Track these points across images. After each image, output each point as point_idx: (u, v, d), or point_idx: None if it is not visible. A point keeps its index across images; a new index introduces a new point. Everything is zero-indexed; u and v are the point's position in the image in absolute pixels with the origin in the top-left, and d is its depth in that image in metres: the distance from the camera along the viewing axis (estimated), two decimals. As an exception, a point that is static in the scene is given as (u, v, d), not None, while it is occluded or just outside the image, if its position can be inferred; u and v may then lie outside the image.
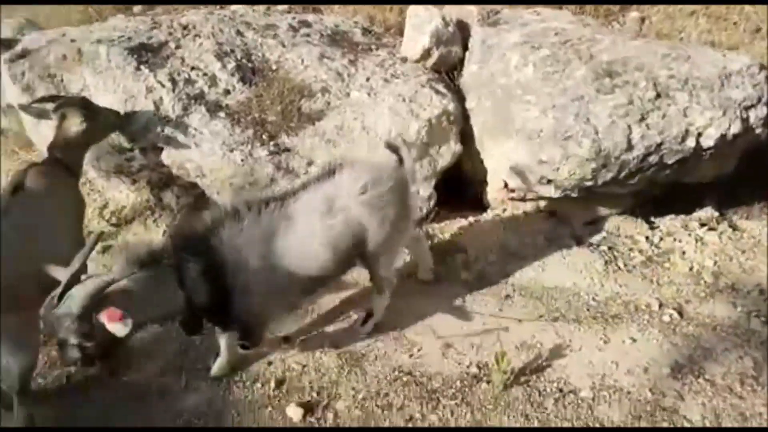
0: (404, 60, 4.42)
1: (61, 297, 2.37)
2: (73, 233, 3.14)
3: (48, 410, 3.02)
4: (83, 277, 2.49)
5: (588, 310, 3.48)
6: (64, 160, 3.29)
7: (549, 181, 3.71)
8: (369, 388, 3.10)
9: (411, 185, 3.16)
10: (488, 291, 3.64)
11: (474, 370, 3.16)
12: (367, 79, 4.07)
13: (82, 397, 3.14)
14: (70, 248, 2.72)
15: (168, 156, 3.73)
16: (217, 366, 3.21)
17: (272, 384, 3.13)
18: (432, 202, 3.94)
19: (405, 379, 3.14)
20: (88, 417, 3.02)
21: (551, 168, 3.65)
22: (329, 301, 3.59)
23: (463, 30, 4.60)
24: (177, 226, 2.82)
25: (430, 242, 3.92)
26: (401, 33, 4.78)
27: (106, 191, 4.30)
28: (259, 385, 3.14)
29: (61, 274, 2.43)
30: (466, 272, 3.76)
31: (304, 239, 2.80)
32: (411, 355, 3.26)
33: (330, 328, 3.45)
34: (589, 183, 3.68)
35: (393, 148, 3.19)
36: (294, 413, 2.97)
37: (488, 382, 3.07)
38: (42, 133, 4.11)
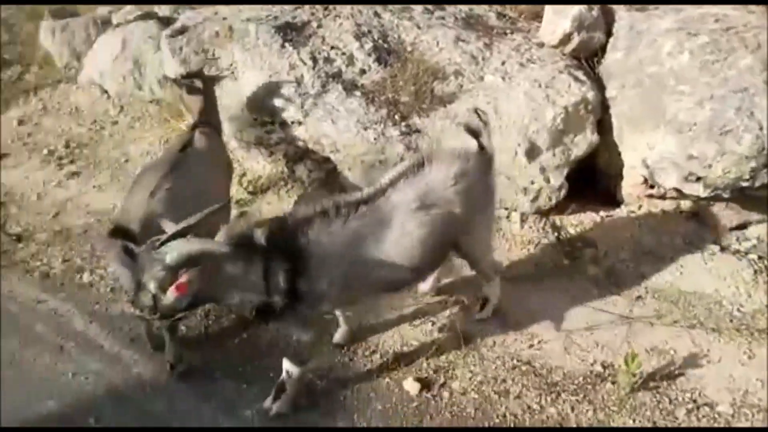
0: (541, 45, 4.32)
1: (163, 244, 2.45)
2: (227, 188, 3.50)
3: (192, 354, 3.34)
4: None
5: (731, 320, 3.26)
6: (213, 124, 3.65)
7: (698, 179, 3.47)
8: (486, 372, 3.12)
9: (493, 168, 3.11)
10: (618, 289, 3.51)
11: (598, 368, 3.09)
12: (502, 63, 4.04)
13: (219, 348, 3.41)
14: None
15: (305, 131, 3.95)
16: (339, 334, 3.36)
17: (390, 356, 3.25)
18: (562, 193, 3.84)
19: (524, 368, 3.13)
20: (226, 366, 3.28)
21: (702, 164, 3.42)
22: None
23: (606, 15, 4.41)
24: (274, 219, 2.77)
25: (557, 234, 3.86)
26: (535, 18, 4.71)
27: (245, 161, 4.63)
28: (377, 356, 3.27)
29: (170, 227, 2.54)
30: (595, 268, 3.65)
31: (400, 239, 2.77)
32: (531, 346, 3.25)
33: (446, 312, 3.52)
34: (745, 183, 3.40)
35: (473, 131, 3.07)
36: (411, 387, 3.06)
37: (614, 383, 2.98)
38: (194, 105, 4.53)
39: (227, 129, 4.42)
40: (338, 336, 3.35)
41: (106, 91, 5.42)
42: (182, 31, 4.40)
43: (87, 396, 3.16)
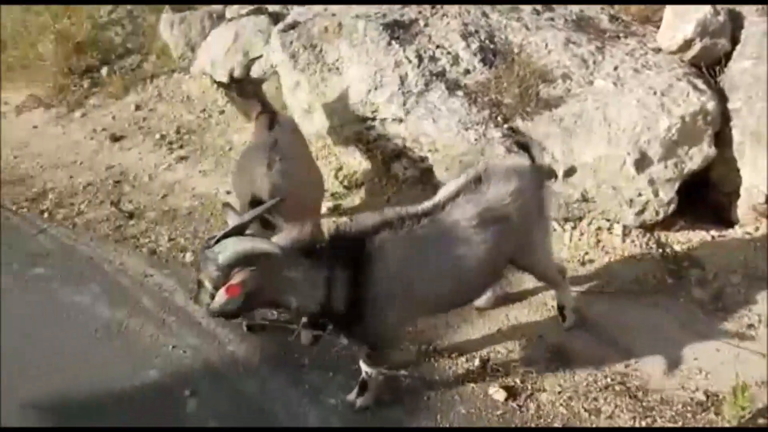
0: (657, 50, 4.15)
1: (218, 241, 2.42)
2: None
3: (282, 341, 3.42)
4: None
5: None
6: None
7: (829, 204, 3.23)
8: (577, 388, 3.05)
9: (546, 181, 3.11)
10: (726, 315, 3.33)
11: (700, 396, 2.94)
12: (615, 68, 3.91)
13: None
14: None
15: (405, 128, 4.02)
16: (362, 400, 3.09)
17: (477, 362, 3.25)
18: (671, 208, 3.68)
19: (617, 388, 3.03)
20: (314, 354, 3.36)
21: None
22: (532, 291, 3.61)
23: (734, 20, 4.16)
24: (339, 226, 2.76)
25: (662, 251, 3.70)
26: (647, 21, 4.52)
27: (341, 156, 4.76)
28: (464, 359, 3.27)
29: (233, 219, 2.57)
30: (701, 291, 3.46)
31: (461, 254, 2.75)
32: (627, 365, 3.14)
33: (535, 318, 3.47)
34: None
35: (524, 146, 3.07)
36: (497, 395, 3.05)
37: (717, 414, 2.83)
38: (297, 97, 4.73)
39: (327, 123, 4.59)
40: (362, 400, 3.09)
41: (216, 82, 5.75)
42: (293, 26, 4.59)
43: (185, 369, 3.38)
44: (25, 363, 3.43)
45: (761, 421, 2.76)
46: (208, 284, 2.42)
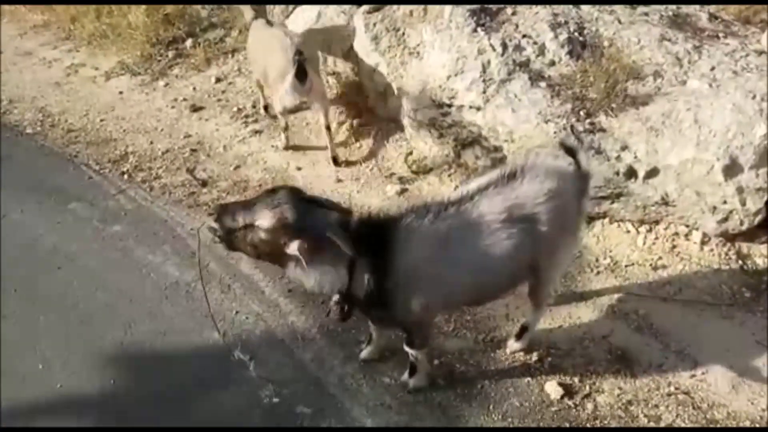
0: (760, 53, 4.08)
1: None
2: None
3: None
4: None
5: None
6: None
7: None
8: (637, 393, 3.12)
9: (588, 193, 3.05)
10: (807, 337, 3.28)
11: (770, 415, 2.94)
12: (712, 69, 3.89)
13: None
14: None
15: (482, 116, 4.16)
16: (415, 380, 3.25)
17: (535, 356, 3.36)
18: (758, 219, 3.63)
19: (681, 397, 3.08)
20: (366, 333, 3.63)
21: None
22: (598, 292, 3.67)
23: None
24: (365, 214, 2.82)
25: (742, 263, 3.67)
26: (749, 22, 4.46)
27: (412, 140, 4.95)
28: (521, 352, 3.39)
29: None
30: (782, 308, 3.44)
31: (483, 248, 2.76)
32: (693, 376, 3.17)
33: (599, 319, 3.53)
34: None
35: (569, 150, 3.00)
36: (553, 391, 3.16)
37: (787, 435, 2.83)
38: (374, 80, 4.96)
39: (402, 107, 4.78)
40: (414, 382, 3.26)
41: (295, 61, 6.07)
42: (378, 8, 4.80)
43: (246, 334, 3.66)
44: (97, 313, 3.83)
45: (835, 447, 2.74)
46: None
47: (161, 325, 3.73)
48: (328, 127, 4.88)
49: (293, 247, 2.53)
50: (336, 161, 4.96)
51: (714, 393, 3.07)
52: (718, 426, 2.93)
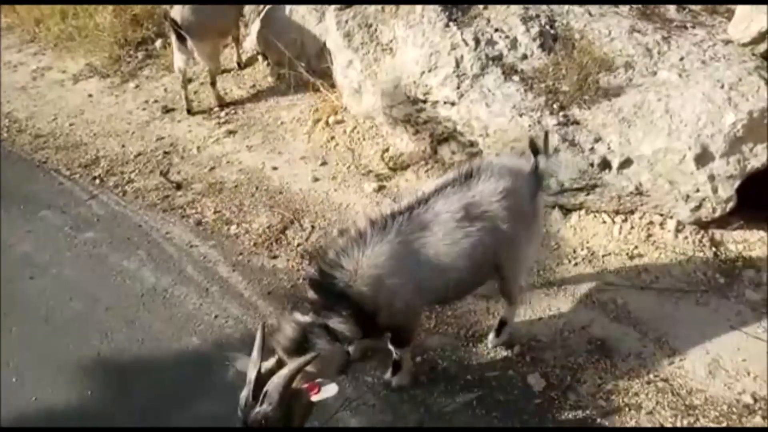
0: (727, 42, 4.15)
1: (256, 396, 2.52)
2: None
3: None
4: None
5: None
6: None
7: None
8: (618, 382, 3.16)
9: (542, 191, 3.16)
10: (780, 319, 3.37)
11: (747, 399, 3.01)
12: (681, 59, 3.95)
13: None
14: None
15: (457, 112, 4.16)
16: (397, 379, 3.29)
17: (515, 349, 3.38)
18: (729, 206, 3.71)
19: (660, 385, 3.13)
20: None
21: None
22: (577, 284, 3.71)
23: (814, 13, 4.12)
24: (311, 279, 2.86)
25: (715, 250, 3.75)
26: (716, 12, 4.52)
27: (388, 137, 4.93)
28: (502, 347, 3.41)
29: (243, 364, 2.68)
30: (754, 292, 3.53)
31: (443, 247, 2.82)
32: (671, 363, 3.23)
33: (579, 310, 3.56)
34: None
35: (536, 149, 3.08)
36: (535, 383, 3.19)
37: (764, 418, 2.90)
38: (348, 76, 4.93)
39: (377, 103, 4.76)
40: (396, 380, 3.30)
41: (266, 58, 6.00)
42: (350, 4, 4.77)
43: (226, 338, 3.63)
44: (72, 323, 3.75)
45: (810, 427, 2.81)
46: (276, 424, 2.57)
47: (139, 333, 3.67)
48: (212, 83, 5.67)
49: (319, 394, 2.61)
50: (189, 111, 5.67)
51: (692, 379, 3.13)
52: (701, 413, 2.99)
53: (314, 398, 2.58)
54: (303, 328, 2.68)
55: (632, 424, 2.97)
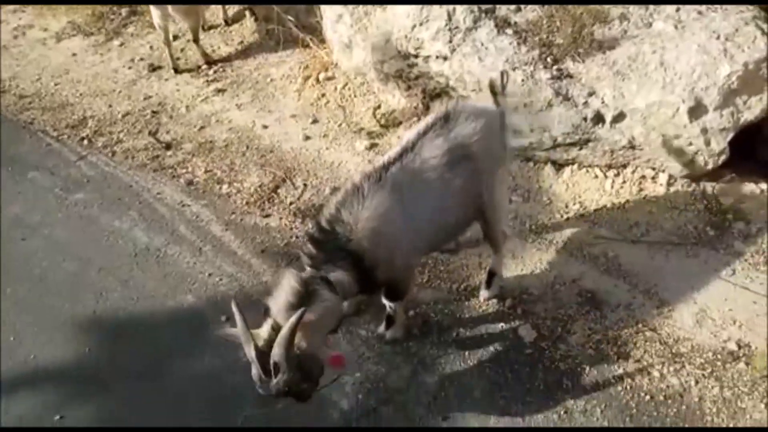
0: (725, -8, 4.17)
1: (266, 370, 2.57)
2: None
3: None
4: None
5: None
6: None
7: None
8: (607, 332, 3.29)
9: (507, 128, 3.30)
10: (767, 269, 3.48)
11: (732, 346, 3.15)
12: (677, 10, 3.96)
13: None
14: None
15: (449, 66, 4.17)
16: (391, 332, 3.42)
17: (508, 302, 3.50)
18: (721, 159, 3.78)
19: (648, 334, 3.26)
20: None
21: None
22: (569, 237, 3.82)
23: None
24: (309, 235, 2.91)
25: (706, 203, 3.84)
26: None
27: (380, 93, 4.96)
28: (494, 300, 3.53)
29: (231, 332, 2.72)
30: (743, 244, 3.65)
31: (434, 194, 2.93)
32: (660, 314, 3.36)
33: (569, 263, 3.67)
34: None
35: (494, 89, 3.22)
36: (526, 334, 3.31)
37: (747, 364, 3.04)
38: (338, 31, 4.92)
39: (367, 59, 4.76)
40: (390, 333, 3.42)
41: (254, 13, 5.96)
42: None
43: (220, 296, 3.72)
44: (66, 283, 3.85)
45: (792, 372, 2.95)
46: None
47: (133, 292, 3.77)
48: (194, 41, 5.62)
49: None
50: (176, 70, 5.66)
51: (679, 328, 3.26)
52: (687, 361, 3.13)
53: (338, 371, 2.68)
54: (305, 282, 2.71)
55: (620, 372, 3.10)
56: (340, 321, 2.99)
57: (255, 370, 2.57)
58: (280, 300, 2.69)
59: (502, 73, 3.34)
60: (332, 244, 2.78)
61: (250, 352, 2.57)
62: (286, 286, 2.72)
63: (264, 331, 2.63)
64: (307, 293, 2.68)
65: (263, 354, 2.54)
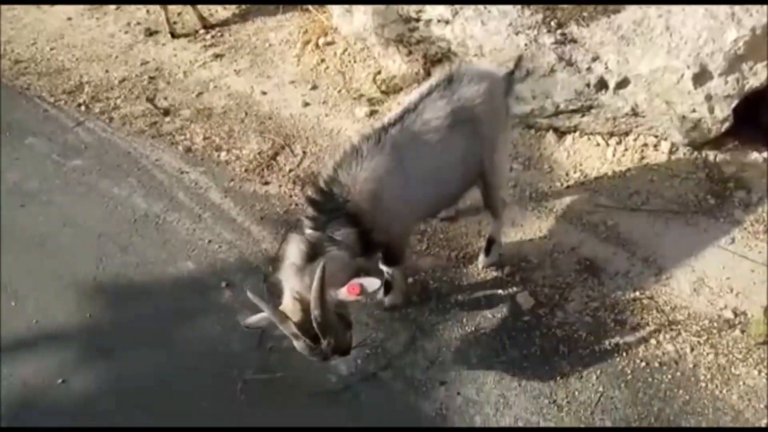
0: (734, -47, 4.10)
1: (314, 339, 2.57)
2: None
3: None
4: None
5: None
6: None
7: None
8: (605, 299, 3.34)
9: (512, 93, 3.33)
10: (766, 238, 3.52)
11: (728, 314, 3.20)
12: (684, -29, 3.91)
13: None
14: None
15: (451, 30, 4.14)
16: (390, 298, 3.45)
17: (507, 269, 3.54)
18: (725, 126, 3.77)
19: (645, 302, 3.31)
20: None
21: None
22: (568, 205, 3.85)
23: None
24: (309, 199, 2.87)
25: (708, 171, 3.85)
26: None
27: (381, 58, 4.92)
28: (493, 267, 3.58)
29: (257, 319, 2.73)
30: (743, 213, 3.67)
31: (435, 156, 2.93)
32: (657, 282, 3.40)
33: (568, 231, 3.71)
34: None
35: (519, 63, 3.35)
36: (524, 301, 3.37)
37: (743, 332, 3.10)
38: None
39: (368, 23, 4.72)
40: (389, 300, 3.46)
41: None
42: None
43: (220, 262, 3.79)
44: (66, 249, 3.90)
45: (786, 340, 3.01)
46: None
47: (133, 258, 3.82)
48: (191, 4, 5.60)
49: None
50: (173, 34, 5.60)
51: (676, 296, 3.31)
52: (683, 328, 3.18)
53: (359, 298, 2.61)
54: (311, 244, 2.72)
55: (616, 339, 3.17)
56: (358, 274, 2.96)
57: (302, 344, 2.58)
58: (290, 269, 2.70)
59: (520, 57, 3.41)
60: (330, 206, 2.79)
61: (290, 329, 2.57)
62: (293, 251, 2.74)
63: (289, 304, 2.65)
64: (315, 254, 2.69)
65: (302, 324, 2.55)
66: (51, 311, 3.56)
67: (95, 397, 3.20)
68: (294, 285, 2.67)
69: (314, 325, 2.51)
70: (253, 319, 2.73)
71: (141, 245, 3.90)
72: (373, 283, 2.63)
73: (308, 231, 2.80)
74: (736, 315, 3.17)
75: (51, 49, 5.58)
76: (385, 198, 2.85)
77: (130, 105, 4.96)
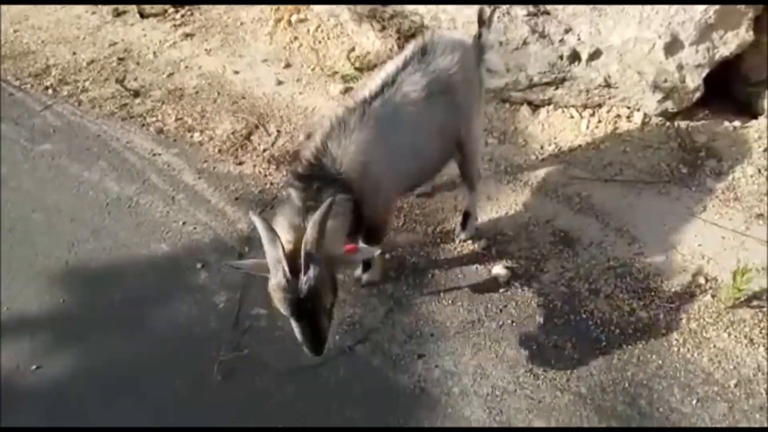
0: None
1: (294, 268, 2.46)
2: None
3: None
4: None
5: None
6: None
7: None
8: (579, 270, 3.41)
9: (483, 62, 3.32)
10: (737, 205, 3.63)
11: (700, 280, 3.28)
12: (654, -58, 3.95)
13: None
14: None
15: (424, 5, 4.15)
16: (368, 275, 3.48)
17: (482, 243, 3.60)
18: (696, 96, 3.86)
19: (619, 270, 3.38)
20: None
21: None
22: (543, 179, 3.90)
23: None
24: (294, 174, 2.82)
25: (680, 141, 3.92)
26: None
27: (354, 35, 4.92)
28: (470, 240, 3.63)
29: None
30: (714, 181, 3.75)
31: (416, 129, 2.97)
32: (631, 250, 3.47)
33: (543, 204, 3.77)
34: None
35: (482, 21, 3.24)
36: (501, 273, 3.41)
37: (714, 297, 3.18)
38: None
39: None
40: (367, 277, 3.48)
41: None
42: None
43: (195, 244, 3.78)
44: (37, 234, 3.88)
45: (755, 303, 3.11)
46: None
47: (106, 242, 3.81)
48: None
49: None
50: (141, 14, 5.58)
51: (650, 264, 3.38)
52: (656, 295, 3.25)
53: (355, 257, 2.65)
54: (308, 206, 2.66)
55: (591, 307, 3.23)
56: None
57: (279, 274, 2.45)
58: (291, 209, 2.68)
59: (493, 8, 3.35)
60: (322, 177, 2.75)
61: (277, 252, 2.44)
62: (287, 209, 2.70)
63: (283, 234, 2.57)
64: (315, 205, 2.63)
65: (292, 253, 2.46)
66: (22, 297, 3.54)
67: (70, 382, 3.19)
68: (293, 220, 2.64)
69: (301, 253, 2.43)
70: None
71: (114, 228, 3.88)
72: (371, 249, 2.74)
73: (300, 204, 2.74)
74: (707, 280, 3.26)
75: (15, 32, 5.51)
76: (372, 170, 2.87)
77: (99, 87, 4.92)
